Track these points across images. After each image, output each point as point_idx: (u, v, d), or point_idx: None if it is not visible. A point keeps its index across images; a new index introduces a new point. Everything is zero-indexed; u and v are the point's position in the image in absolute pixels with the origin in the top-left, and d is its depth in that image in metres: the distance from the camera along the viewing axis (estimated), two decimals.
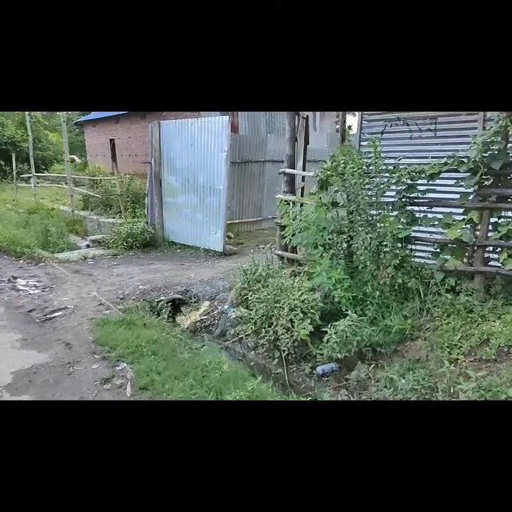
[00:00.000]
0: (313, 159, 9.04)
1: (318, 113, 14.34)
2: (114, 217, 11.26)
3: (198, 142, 8.40)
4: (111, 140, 18.20)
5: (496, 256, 4.47)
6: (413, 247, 4.89)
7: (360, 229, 4.88)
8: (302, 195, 7.02)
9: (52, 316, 5.30)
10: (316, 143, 11.12)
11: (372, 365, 4.12)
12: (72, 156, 15.31)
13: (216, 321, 5.77)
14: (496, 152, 4.14)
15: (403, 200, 4.80)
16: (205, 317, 5.93)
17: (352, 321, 4.18)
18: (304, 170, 6.96)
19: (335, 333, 4.15)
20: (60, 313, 5.39)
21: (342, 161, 4.77)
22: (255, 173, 10.72)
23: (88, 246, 9.83)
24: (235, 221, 10.18)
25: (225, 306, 5.78)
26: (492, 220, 4.42)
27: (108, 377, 3.83)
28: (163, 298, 6.14)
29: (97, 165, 17.30)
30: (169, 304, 6.06)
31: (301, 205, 6.08)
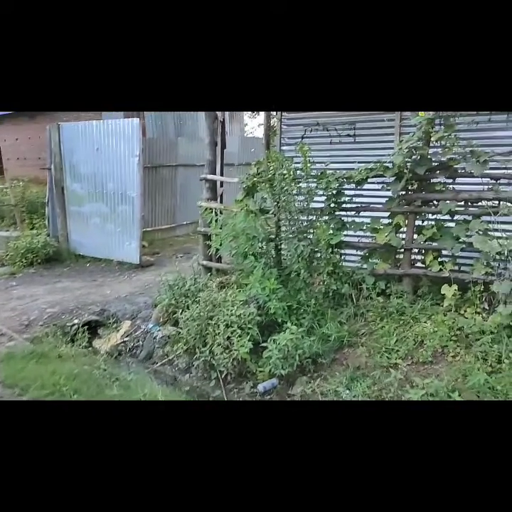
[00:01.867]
0: (227, 163, 8.79)
1: (228, 116, 14.15)
2: (7, 230, 10.00)
3: (105, 146, 7.69)
4: None
5: (420, 258, 4.62)
6: (343, 252, 4.89)
7: (290, 236, 4.75)
8: (222, 201, 6.75)
9: None
10: (228, 146, 10.92)
11: (316, 379, 3.99)
12: None
13: (140, 342, 5.27)
14: (419, 157, 4.26)
15: (332, 205, 4.77)
16: (127, 339, 5.39)
17: (292, 333, 4.01)
18: (221, 175, 6.68)
19: (276, 349, 3.95)
20: None
21: (271, 167, 4.60)
22: (167, 178, 10.22)
23: None
24: (148, 229, 9.58)
25: (150, 325, 5.30)
26: (417, 223, 4.56)
27: None
28: (76, 321, 5.47)
29: None
30: (85, 327, 5.42)
31: (221, 212, 5.81)
